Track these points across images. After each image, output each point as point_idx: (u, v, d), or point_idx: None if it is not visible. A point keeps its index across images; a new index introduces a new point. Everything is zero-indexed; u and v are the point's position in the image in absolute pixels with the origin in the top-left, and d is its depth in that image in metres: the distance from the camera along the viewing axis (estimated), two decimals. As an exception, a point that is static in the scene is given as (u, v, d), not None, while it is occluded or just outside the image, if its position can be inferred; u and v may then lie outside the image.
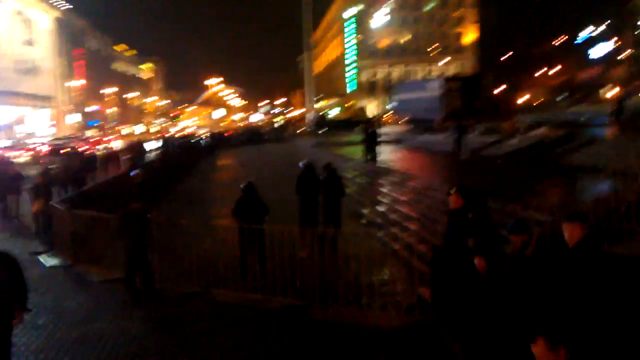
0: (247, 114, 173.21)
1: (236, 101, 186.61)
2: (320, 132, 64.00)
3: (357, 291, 8.88)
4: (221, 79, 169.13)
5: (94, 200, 14.80)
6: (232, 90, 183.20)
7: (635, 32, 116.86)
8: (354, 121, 68.35)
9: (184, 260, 10.28)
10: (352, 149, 34.95)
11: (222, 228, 10.71)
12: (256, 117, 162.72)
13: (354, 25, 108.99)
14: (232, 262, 10.05)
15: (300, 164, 13.55)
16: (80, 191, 16.86)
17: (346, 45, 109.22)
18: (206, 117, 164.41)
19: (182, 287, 10.11)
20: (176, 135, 76.34)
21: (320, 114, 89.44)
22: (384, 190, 18.05)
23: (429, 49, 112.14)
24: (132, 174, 14.97)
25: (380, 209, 15.91)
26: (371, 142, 24.86)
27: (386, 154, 27.24)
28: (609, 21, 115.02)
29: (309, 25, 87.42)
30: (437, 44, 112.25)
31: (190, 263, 10.09)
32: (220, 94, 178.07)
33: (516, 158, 21.83)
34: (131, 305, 9.62)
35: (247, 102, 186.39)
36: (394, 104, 52.14)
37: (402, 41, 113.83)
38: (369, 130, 25.12)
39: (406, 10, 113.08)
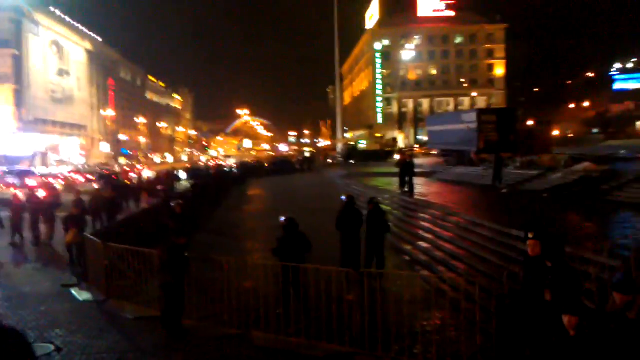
0: (275, 144, 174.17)
1: (264, 131, 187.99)
2: (350, 162, 63.57)
3: (409, 338, 8.15)
4: (248, 111, 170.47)
5: (129, 232, 14.38)
6: (259, 122, 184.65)
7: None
8: (385, 152, 67.91)
9: (222, 298, 9.68)
10: (385, 180, 34.33)
11: (262, 265, 10.06)
12: (284, 147, 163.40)
13: (380, 60, 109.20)
14: (273, 303, 9.39)
15: (343, 198, 12.96)
16: (115, 222, 16.51)
17: (376, 78, 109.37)
18: (235, 147, 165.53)
19: (220, 328, 9.50)
20: (209, 164, 76.53)
21: (351, 144, 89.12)
22: (425, 225, 17.35)
23: (458, 82, 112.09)
24: (172, 204, 14.54)
25: (423, 245, 15.20)
26: (408, 173, 24.20)
27: (422, 187, 26.61)
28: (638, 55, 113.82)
29: (338, 55, 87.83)
30: (466, 78, 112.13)
31: (229, 302, 9.50)
32: (249, 124, 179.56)
33: (562, 193, 21.01)
34: (167, 348, 9.04)
35: (274, 132, 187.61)
36: (420, 137, 51.64)
37: (431, 74, 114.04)
38: (406, 162, 24.47)
39: (434, 44, 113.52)
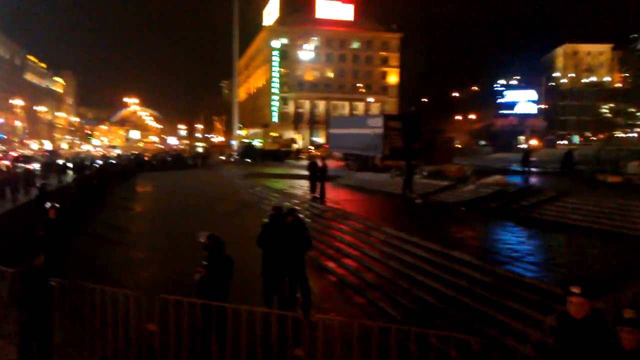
0: (164, 137, 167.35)
1: (153, 123, 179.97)
2: (247, 161, 61.14)
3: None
4: (137, 100, 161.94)
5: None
6: (148, 113, 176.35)
7: (550, 84, 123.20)
8: (283, 152, 66.13)
9: (115, 342, 7.29)
10: (288, 182, 32.59)
11: (174, 301, 7.57)
12: (174, 141, 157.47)
13: (277, 58, 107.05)
14: (187, 353, 7.11)
15: (272, 210, 10.75)
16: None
17: (273, 76, 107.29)
18: (122, 137, 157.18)
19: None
20: (92, 154, 70.90)
21: (247, 142, 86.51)
22: (347, 238, 15.56)
23: (353, 87, 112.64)
24: (47, 206, 11.51)
25: (349, 263, 13.38)
26: (319, 178, 22.50)
27: (328, 192, 24.85)
28: (523, 74, 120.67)
29: (236, 51, 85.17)
30: (361, 83, 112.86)
31: (125, 349, 7.14)
32: (137, 114, 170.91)
33: (479, 207, 20.08)
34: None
35: (163, 124, 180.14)
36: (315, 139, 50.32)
37: (327, 76, 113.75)
38: (319, 165, 22.66)
39: (332, 47, 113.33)
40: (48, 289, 7.25)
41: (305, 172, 38.89)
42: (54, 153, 67.74)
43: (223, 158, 70.00)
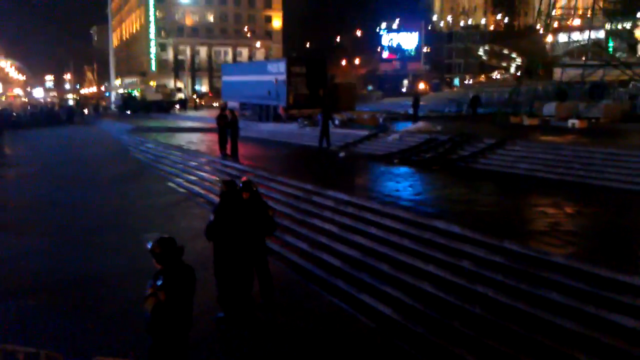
0: (30, 89, 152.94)
1: (16, 74, 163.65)
2: (127, 113, 55.93)
3: None
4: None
5: None
6: (9, 63, 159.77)
7: (429, 28, 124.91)
8: (169, 102, 61.45)
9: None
10: (185, 136, 29.47)
11: None
12: (40, 93, 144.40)
13: (153, 1, 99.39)
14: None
15: (224, 185, 7.83)
16: None
17: (149, 20, 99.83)
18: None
19: None
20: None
21: (127, 93, 79.85)
22: (282, 207, 12.99)
23: (236, 31, 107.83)
24: None
25: (298, 242, 10.85)
26: (232, 132, 19.64)
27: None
28: (404, 18, 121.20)
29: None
30: (244, 28, 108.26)
31: None
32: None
33: (411, 158, 18.23)
34: None
35: (27, 76, 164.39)
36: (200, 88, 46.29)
37: (208, 20, 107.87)
38: (230, 119, 19.68)
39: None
40: None
41: (199, 125, 36.03)
42: None
43: (84, 110, 63.52)
